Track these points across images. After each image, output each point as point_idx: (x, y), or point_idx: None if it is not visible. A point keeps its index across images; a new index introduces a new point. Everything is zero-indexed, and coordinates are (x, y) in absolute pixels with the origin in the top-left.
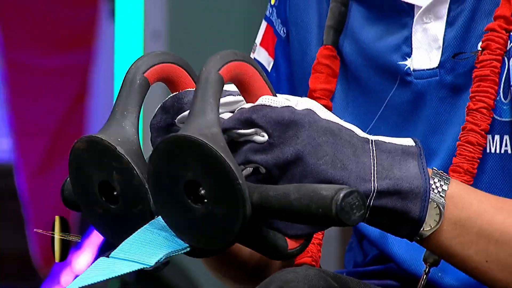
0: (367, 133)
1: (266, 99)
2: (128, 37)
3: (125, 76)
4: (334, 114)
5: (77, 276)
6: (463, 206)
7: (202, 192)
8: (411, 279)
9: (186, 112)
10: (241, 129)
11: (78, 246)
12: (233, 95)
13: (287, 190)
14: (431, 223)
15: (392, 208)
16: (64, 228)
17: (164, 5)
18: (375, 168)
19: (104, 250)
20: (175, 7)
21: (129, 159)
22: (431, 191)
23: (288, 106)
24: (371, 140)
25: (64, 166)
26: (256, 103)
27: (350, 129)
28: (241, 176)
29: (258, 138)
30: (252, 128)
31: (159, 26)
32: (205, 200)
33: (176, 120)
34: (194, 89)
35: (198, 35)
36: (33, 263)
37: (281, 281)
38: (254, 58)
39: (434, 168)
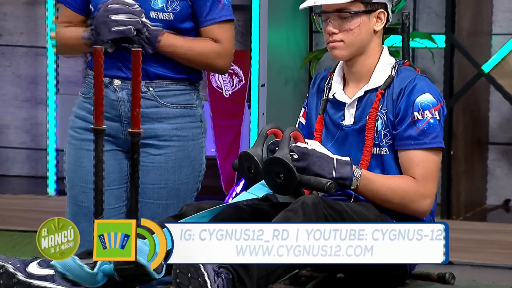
0: (330, 147)
1: (300, 144)
2: (254, 119)
3: (259, 132)
4: (323, 143)
5: (237, 194)
6: (366, 179)
7: (281, 176)
8: (349, 196)
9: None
10: (290, 153)
11: (237, 184)
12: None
13: (308, 177)
14: (354, 185)
15: (339, 183)
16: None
17: (264, 98)
18: (335, 169)
19: (245, 186)
20: (271, 112)
21: (258, 162)
22: (355, 174)
23: (306, 147)
24: (335, 159)
25: (231, 159)
26: (295, 144)
27: (328, 155)
28: (296, 174)
29: (294, 155)
30: (292, 152)
31: (263, 110)
32: (282, 179)
33: (276, 149)
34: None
35: (288, 123)
36: (223, 188)
37: (302, 199)
38: (299, 121)
39: (357, 166)
